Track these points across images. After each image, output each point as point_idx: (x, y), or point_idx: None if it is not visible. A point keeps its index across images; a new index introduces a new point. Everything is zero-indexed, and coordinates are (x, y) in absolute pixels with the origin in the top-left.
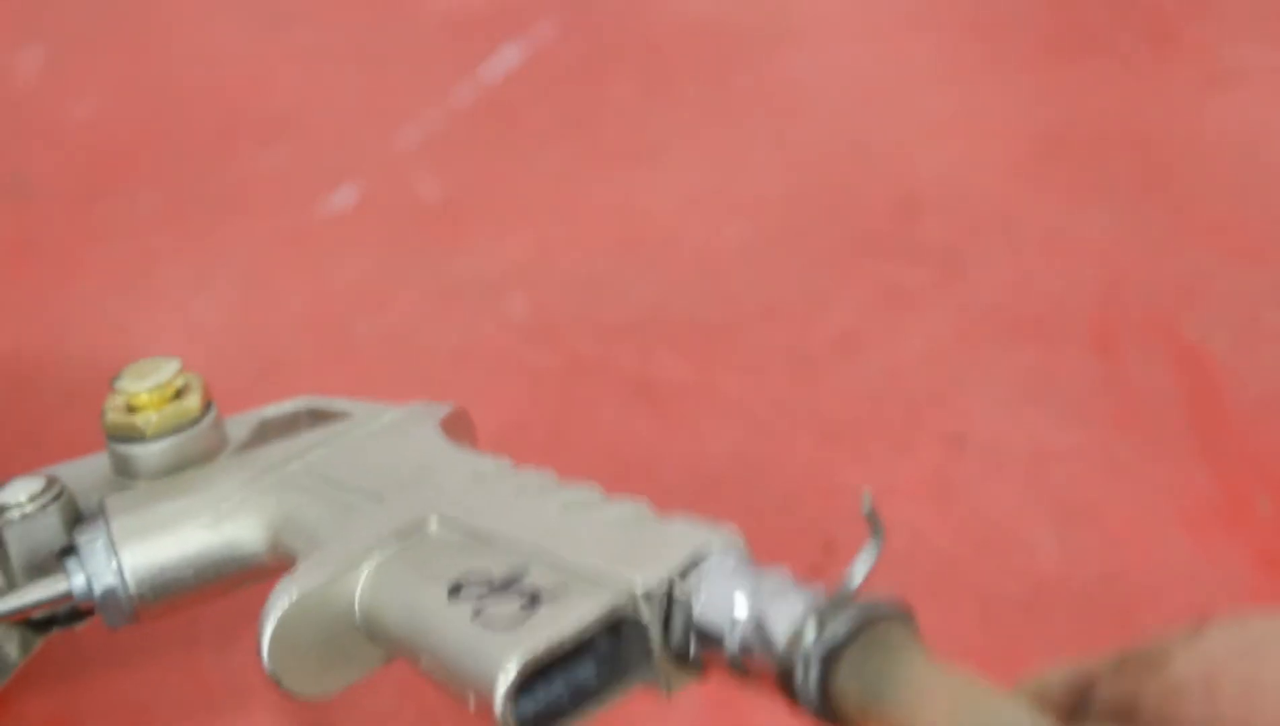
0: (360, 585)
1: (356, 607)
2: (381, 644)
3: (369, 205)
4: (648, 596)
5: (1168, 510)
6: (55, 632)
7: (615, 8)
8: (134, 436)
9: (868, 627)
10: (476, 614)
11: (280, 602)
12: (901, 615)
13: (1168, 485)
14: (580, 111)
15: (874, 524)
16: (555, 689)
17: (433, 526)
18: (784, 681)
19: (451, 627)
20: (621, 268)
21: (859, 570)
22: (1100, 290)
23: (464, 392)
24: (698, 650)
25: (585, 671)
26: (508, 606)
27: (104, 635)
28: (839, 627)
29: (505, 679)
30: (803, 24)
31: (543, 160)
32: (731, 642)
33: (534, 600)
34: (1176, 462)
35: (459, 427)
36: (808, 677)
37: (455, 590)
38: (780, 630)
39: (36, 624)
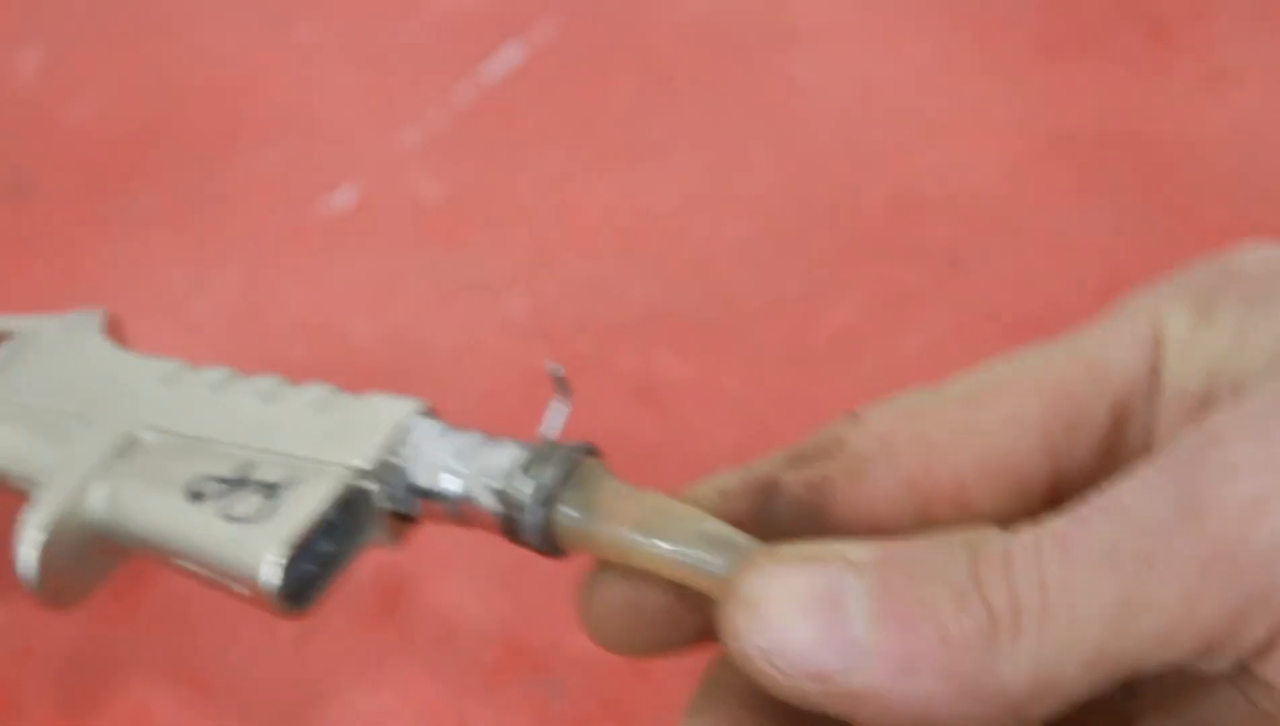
0: (98, 510)
1: (101, 528)
2: (137, 550)
3: (369, 205)
4: (372, 471)
5: None
6: None
7: (615, 8)
8: None
9: (574, 468)
10: (224, 514)
11: (26, 546)
12: (595, 454)
13: None
14: (580, 111)
15: (562, 386)
16: (305, 565)
17: (146, 438)
18: (506, 526)
19: (206, 531)
20: (621, 268)
21: (555, 423)
22: (1100, 290)
23: (464, 392)
24: (419, 508)
25: (326, 544)
26: (250, 502)
27: (103, 635)
28: (553, 471)
29: (278, 564)
30: (803, 24)
31: (543, 160)
32: (450, 498)
33: (273, 492)
34: None
35: (118, 333)
36: (529, 520)
37: (194, 495)
38: (495, 480)
39: None
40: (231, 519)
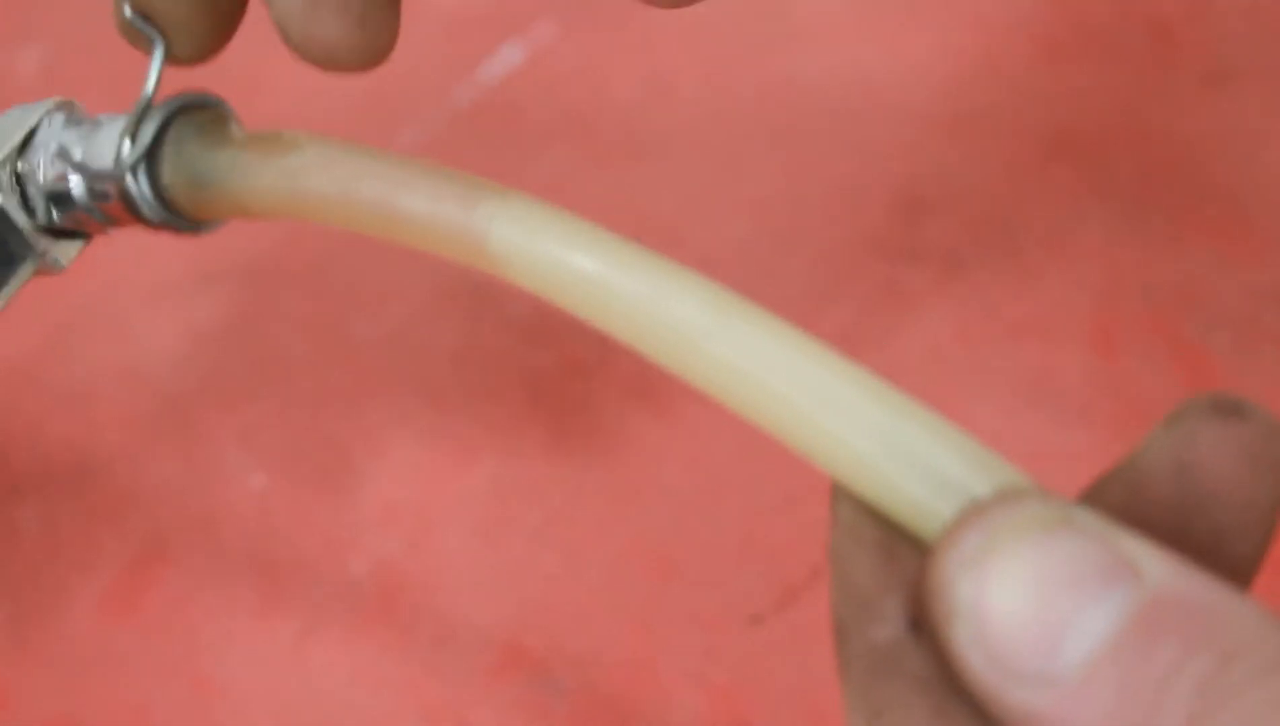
0: None
1: None
2: None
3: None
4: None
5: None
6: None
7: (615, 8)
8: None
9: (174, 122)
10: None
11: None
12: (205, 102)
13: None
14: (580, 111)
15: (147, 30)
16: None
17: None
18: (128, 205)
19: None
20: None
21: (150, 78)
22: (1100, 290)
23: (464, 392)
24: (60, 215)
25: None
26: None
27: (104, 635)
28: (147, 130)
29: None
30: (803, 24)
31: (543, 160)
32: (79, 194)
33: None
34: None
35: None
36: (139, 190)
37: None
38: (106, 159)
39: None
40: None
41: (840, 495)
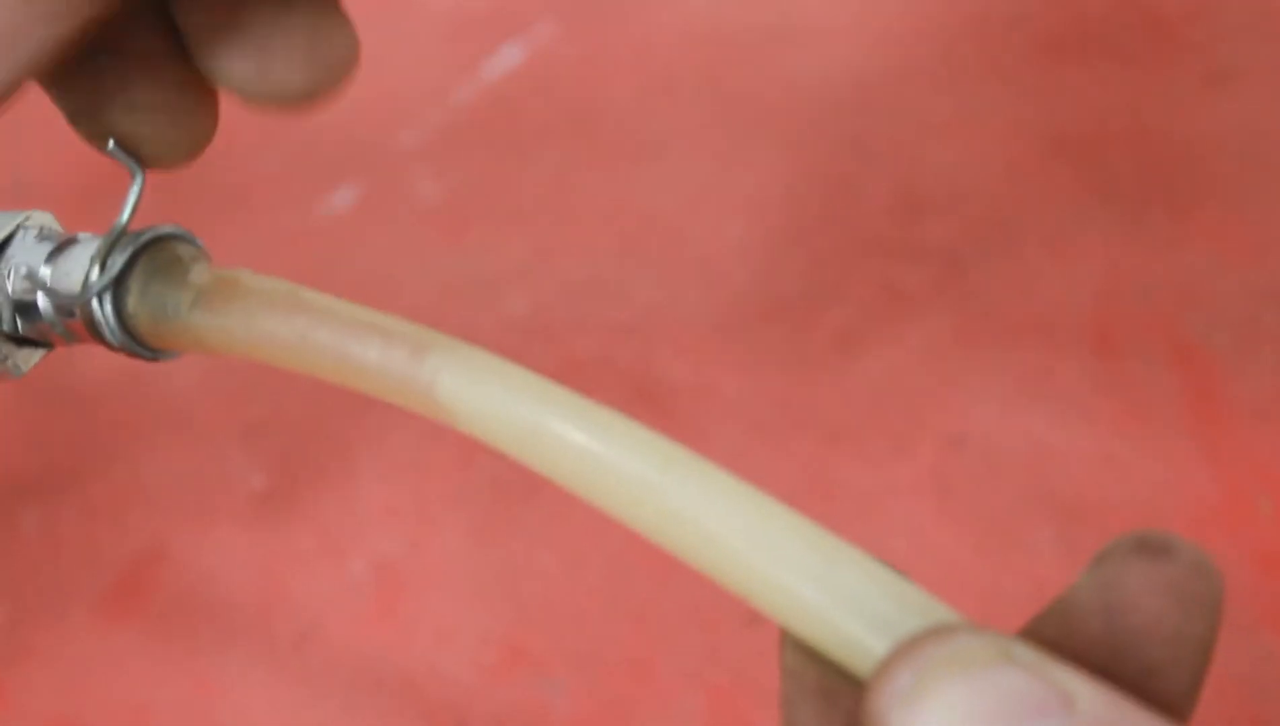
0: None
1: None
2: None
3: (369, 205)
4: None
5: (1168, 510)
6: None
7: (615, 8)
8: None
9: (146, 252)
10: None
11: None
12: (177, 235)
13: (1168, 485)
14: (580, 111)
15: (128, 162)
16: None
17: None
18: (90, 328)
19: None
20: (621, 268)
21: (126, 206)
22: (1100, 290)
23: None
24: (26, 326)
25: None
26: None
27: (104, 635)
28: (117, 261)
29: None
30: (803, 24)
31: (543, 160)
32: (46, 308)
33: None
34: (1176, 462)
35: None
36: (104, 316)
37: None
38: (74, 282)
39: None
40: None
41: (786, 642)
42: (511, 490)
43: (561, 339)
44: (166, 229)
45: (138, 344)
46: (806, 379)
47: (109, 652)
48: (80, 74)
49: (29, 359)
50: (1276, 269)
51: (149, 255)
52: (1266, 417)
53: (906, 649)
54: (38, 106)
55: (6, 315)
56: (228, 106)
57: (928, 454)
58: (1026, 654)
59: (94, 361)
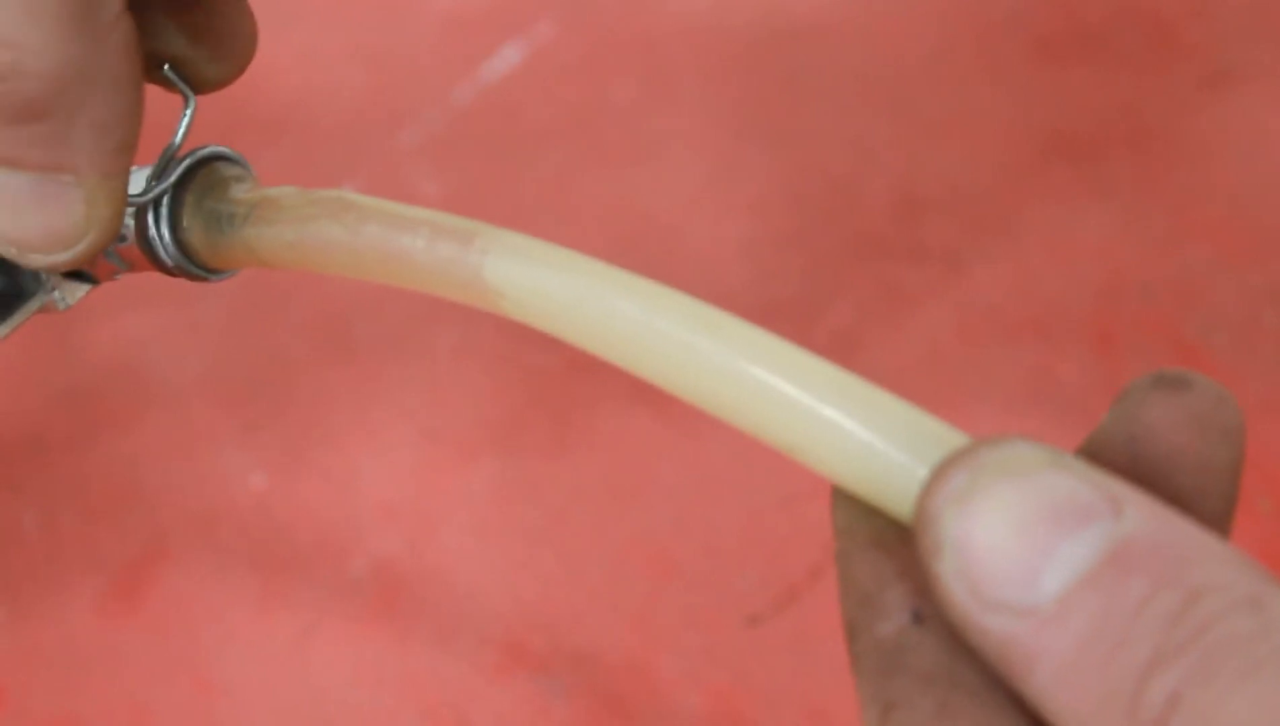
0: None
1: None
2: None
3: None
4: None
5: None
6: None
7: (615, 7)
8: None
9: (198, 170)
10: None
11: None
12: (226, 156)
13: None
14: (580, 111)
15: (181, 86)
16: None
17: None
18: (145, 248)
19: None
20: (621, 267)
21: (179, 129)
22: (1100, 290)
23: (464, 392)
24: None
25: None
26: None
27: (104, 635)
28: (171, 175)
29: None
30: (802, 23)
31: (543, 160)
32: None
33: None
34: None
35: None
36: (158, 232)
37: None
38: (129, 205)
39: None
40: None
41: (837, 498)
42: (512, 490)
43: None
44: (216, 148)
45: (191, 262)
46: None
47: (109, 652)
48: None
49: (75, 292)
50: (1276, 269)
51: (201, 174)
52: (1266, 418)
53: (961, 453)
54: None
55: None
56: (227, 99)
57: None
58: (1077, 463)
59: (93, 362)
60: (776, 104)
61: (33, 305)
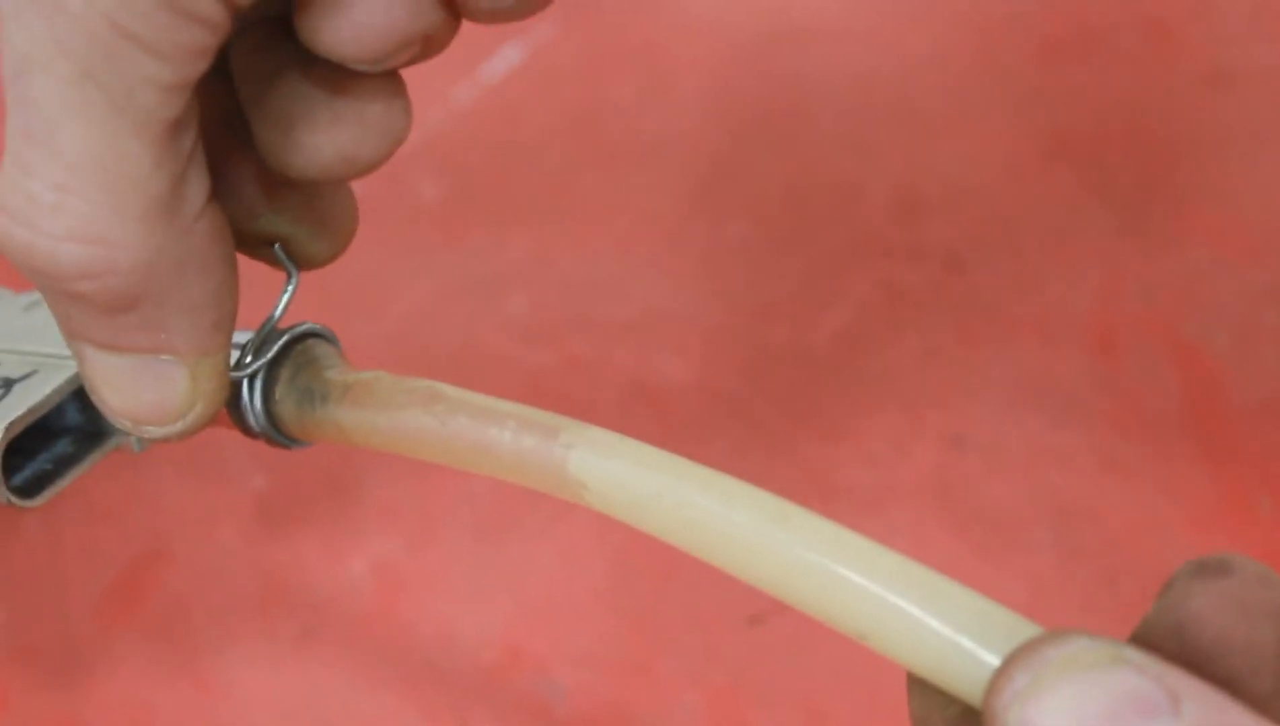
0: None
1: None
2: None
3: (369, 205)
4: None
5: (1168, 510)
6: None
7: (615, 8)
8: None
9: (295, 345)
10: None
11: None
12: (323, 334)
13: (1168, 485)
14: (580, 111)
15: (287, 265)
16: (40, 464)
17: None
18: (235, 412)
19: None
20: (622, 268)
21: (280, 303)
22: (1100, 290)
23: None
24: None
25: (63, 446)
26: None
27: (104, 635)
28: (270, 348)
29: None
30: (803, 23)
31: (543, 160)
32: None
33: (6, 385)
34: (1176, 463)
35: None
36: (251, 400)
37: None
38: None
39: None
40: None
41: (912, 685)
42: (512, 490)
43: (561, 339)
44: (313, 326)
45: (277, 432)
46: (806, 379)
47: (109, 652)
48: (239, 186)
49: (154, 437)
50: (1276, 269)
51: (297, 350)
52: (1266, 417)
53: (1023, 651)
54: None
55: None
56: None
57: (928, 454)
58: (1136, 655)
59: None
60: (776, 104)
61: (110, 445)
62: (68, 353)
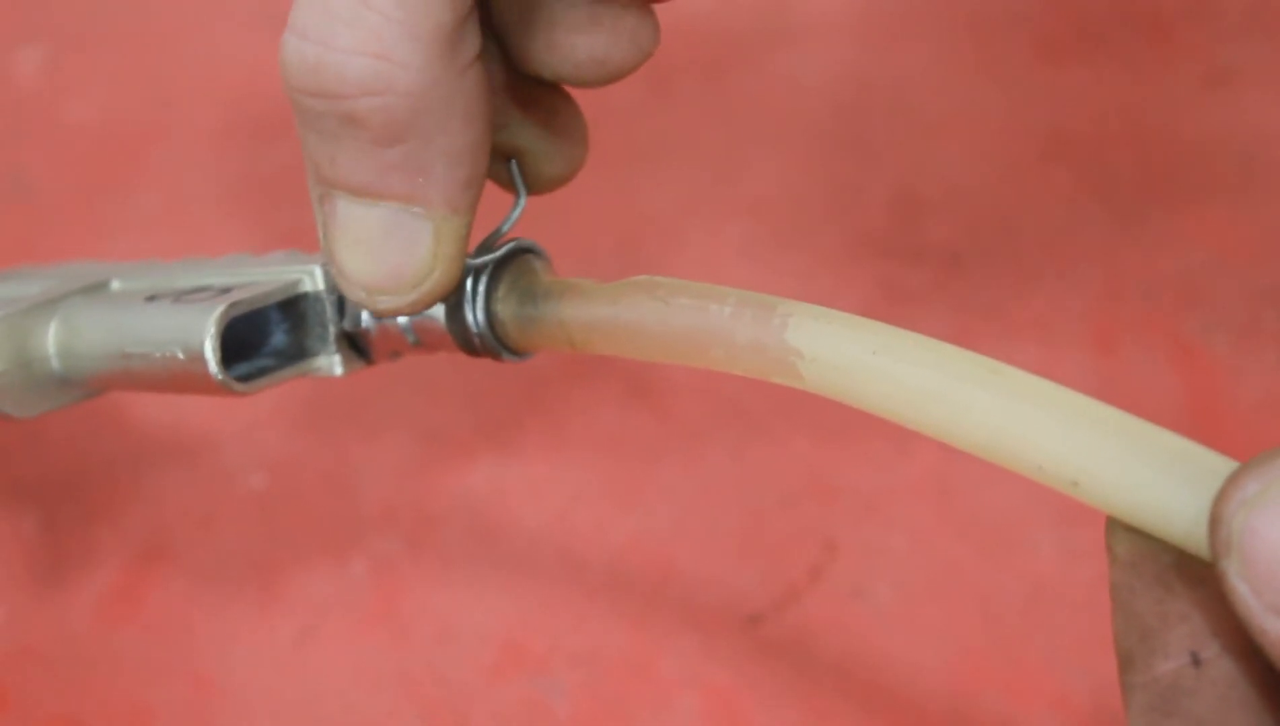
0: (52, 333)
1: (53, 350)
2: (80, 379)
3: None
4: (322, 280)
5: None
6: None
7: None
8: None
9: (516, 256)
10: (176, 301)
11: None
12: (536, 249)
13: None
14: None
15: (519, 184)
16: (259, 361)
17: (115, 284)
18: (457, 320)
19: (153, 317)
20: (621, 268)
21: (508, 220)
22: (1100, 290)
23: (464, 392)
24: (370, 326)
25: (278, 339)
26: (203, 296)
27: (104, 635)
28: (491, 259)
29: (212, 330)
30: (803, 24)
31: None
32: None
33: (225, 290)
34: None
35: None
36: (474, 315)
37: (149, 299)
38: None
39: None
40: (182, 303)
41: (1117, 531)
42: (511, 490)
43: None
44: (532, 243)
45: (500, 344)
46: None
47: (109, 652)
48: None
49: (350, 364)
50: (1276, 269)
51: (518, 261)
52: (1266, 417)
53: (1259, 460)
54: (38, 105)
55: (355, 314)
56: (227, 100)
57: (928, 454)
58: None
59: None
60: (776, 104)
61: (308, 365)
62: (274, 273)
